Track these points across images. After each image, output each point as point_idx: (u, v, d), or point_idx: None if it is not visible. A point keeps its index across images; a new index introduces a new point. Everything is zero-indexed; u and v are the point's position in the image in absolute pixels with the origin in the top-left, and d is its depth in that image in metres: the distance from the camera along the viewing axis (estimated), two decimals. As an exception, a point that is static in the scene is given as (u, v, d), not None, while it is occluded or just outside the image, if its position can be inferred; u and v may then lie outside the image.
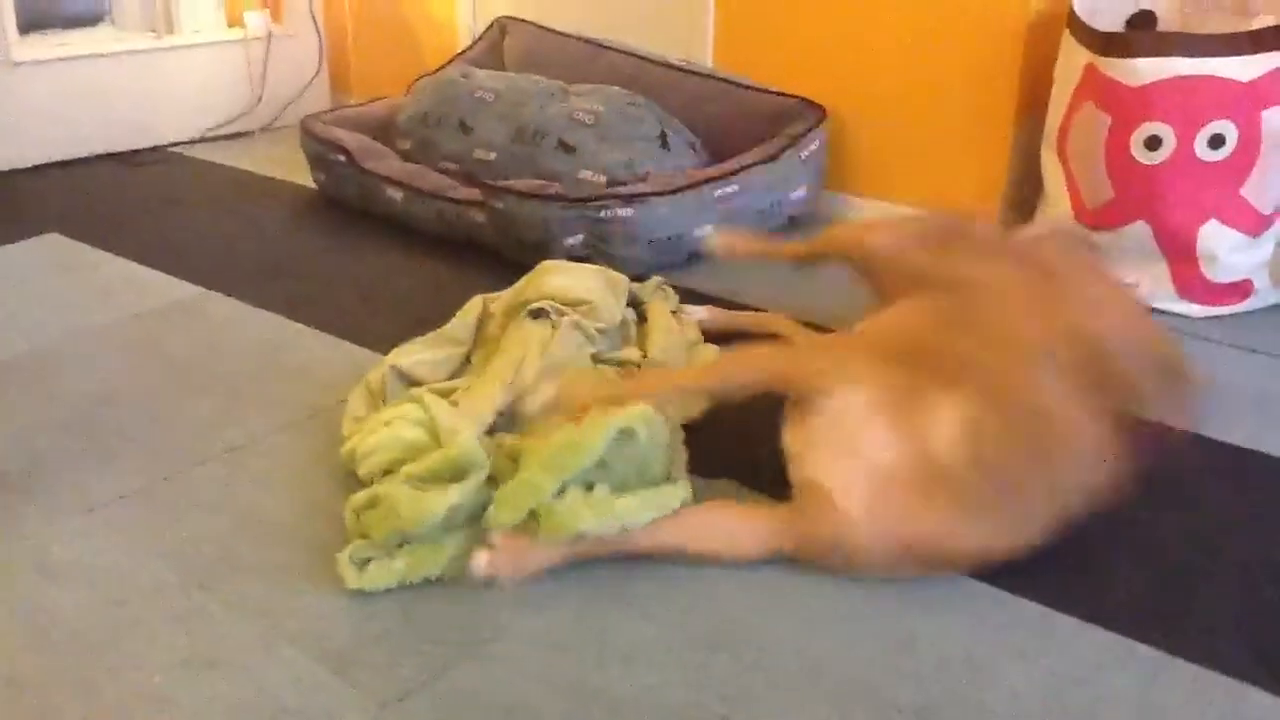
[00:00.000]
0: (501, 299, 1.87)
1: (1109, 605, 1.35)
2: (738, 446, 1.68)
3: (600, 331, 1.80)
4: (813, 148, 2.58)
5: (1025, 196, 2.50)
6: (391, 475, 1.43)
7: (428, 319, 1.93)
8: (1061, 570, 1.40)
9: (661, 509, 1.40)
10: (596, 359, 1.77)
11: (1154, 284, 2.18)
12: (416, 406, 1.53)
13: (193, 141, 3.48)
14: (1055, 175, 2.32)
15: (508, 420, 1.61)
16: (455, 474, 1.39)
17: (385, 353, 1.81)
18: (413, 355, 1.77)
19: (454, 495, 1.35)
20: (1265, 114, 2.04)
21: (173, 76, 3.41)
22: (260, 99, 3.58)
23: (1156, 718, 1.18)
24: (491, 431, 1.57)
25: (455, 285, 2.27)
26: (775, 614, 1.34)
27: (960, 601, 1.36)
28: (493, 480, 1.44)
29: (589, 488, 1.38)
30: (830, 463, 1.37)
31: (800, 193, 2.56)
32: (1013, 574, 1.38)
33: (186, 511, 1.53)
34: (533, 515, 1.37)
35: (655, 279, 2.13)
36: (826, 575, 1.39)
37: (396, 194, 2.65)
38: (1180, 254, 2.15)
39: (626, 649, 1.28)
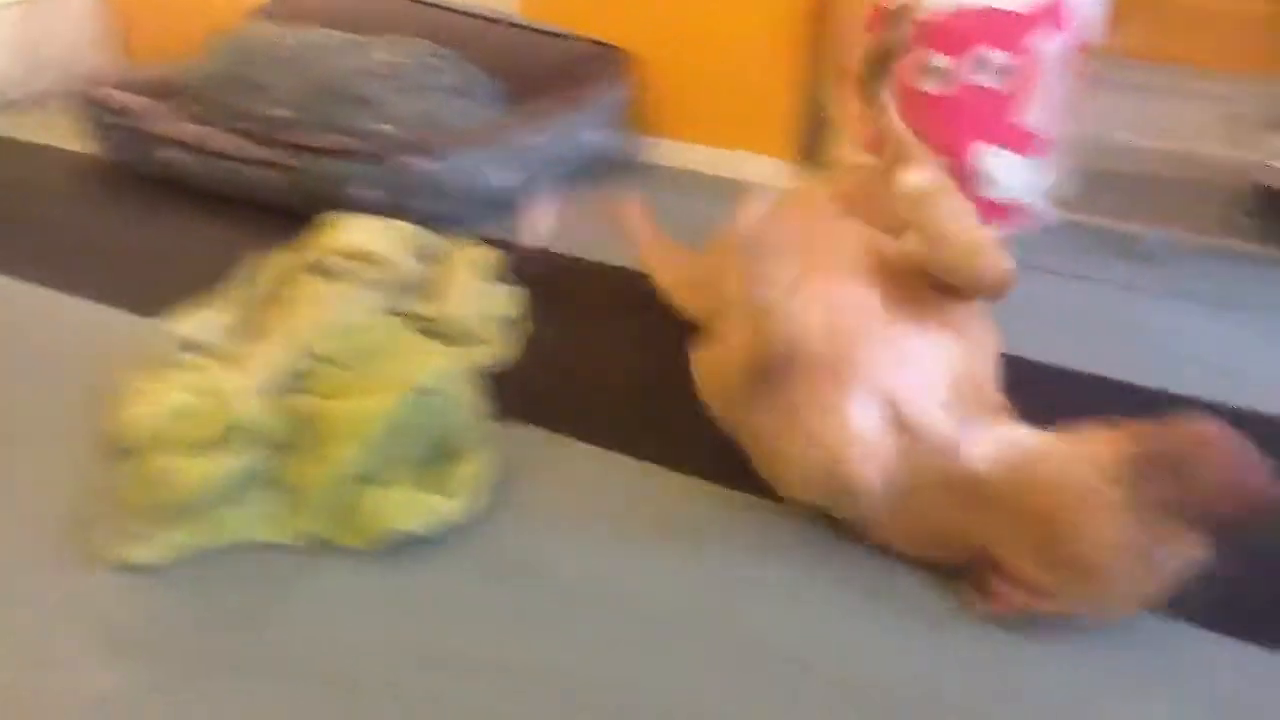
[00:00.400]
0: (290, 257, 1.82)
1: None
2: (543, 390, 1.68)
3: (394, 286, 1.77)
4: (617, 93, 2.58)
5: (819, 126, 2.55)
6: (168, 445, 1.38)
7: (216, 284, 1.86)
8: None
9: (474, 488, 1.39)
10: (391, 313, 1.73)
11: (943, 210, 2.25)
12: (195, 374, 1.48)
13: (-33, 111, 3.27)
14: (846, 110, 2.37)
15: (298, 381, 1.57)
16: (234, 439, 1.35)
17: (169, 321, 1.74)
18: (196, 320, 1.70)
19: (232, 462, 1.31)
20: (1037, 41, 2.12)
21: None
22: (37, 63, 3.37)
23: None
24: (279, 393, 1.53)
25: (248, 248, 2.18)
26: (567, 552, 1.34)
27: (735, 514, 1.39)
28: (280, 444, 1.40)
29: (409, 474, 1.38)
30: None
31: (606, 138, 2.56)
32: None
33: (-45, 498, 1.45)
34: (350, 514, 1.34)
35: (461, 234, 2.10)
36: (633, 507, 1.40)
37: (186, 157, 2.53)
38: (963, 178, 2.22)
39: (418, 597, 1.27)
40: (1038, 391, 1.69)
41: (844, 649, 1.20)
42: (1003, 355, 1.77)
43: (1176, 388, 1.71)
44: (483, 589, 1.28)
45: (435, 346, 1.62)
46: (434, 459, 1.43)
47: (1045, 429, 1.30)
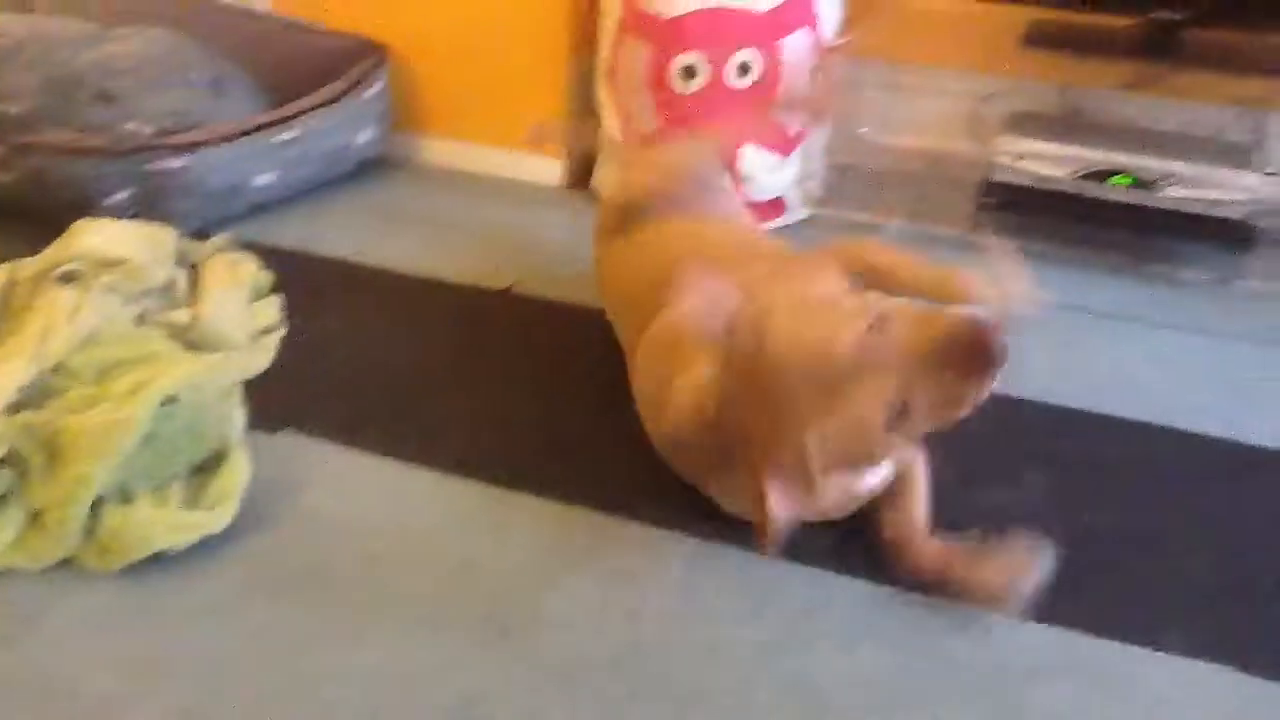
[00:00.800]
0: (29, 265, 1.72)
1: (651, 505, 1.45)
2: (303, 396, 1.65)
3: (145, 293, 1.70)
4: (376, 89, 2.54)
5: (583, 130, 2.59)
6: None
7: (-58, 294, 1.73)
8: (606, 479, 1.49)
9: (232, 498, 1.35)
10: (142, 321, 1.67)
11: (704, 205, 2.34)
12: (-84, 391, 1.38)
13: None
14: (609, 106, 2.42)
15: (37, 396, 1.49)
16: (-38, 461, 1.27)
17: (-112, 336, 1.62)
18: (-78, 335, 1.58)
19: (-45, 483, 1.24)
20: (783, 42, 2.22)
21: None
22: None
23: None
24: (17, 410, 1.45)
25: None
26: (336, 556, 1.33)
27: (523, 518, 1.41)
28: (17, 462, 1.33)
29: (157, 490, 1.32)
30: None
31: (367, 135, 2.51)
32: (571, 488, 1.45)
33: None
34: (98, 534, 1.28)
35: (217, 238, 2.03)
36: (396, 510, 1.40)
37: (-95, 155, 2.34)
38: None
39: (178, 612, 1.23)
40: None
41: (635, 637, 1.24)
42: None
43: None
44: (252, 598, 1.25)
45: (186, 355, 1.56)
46: (187, 472, 1.38)
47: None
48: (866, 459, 1.22)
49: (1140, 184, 2.16)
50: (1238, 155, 2.32)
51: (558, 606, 1.27)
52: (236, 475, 1.38)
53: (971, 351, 1.11)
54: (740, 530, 1.39)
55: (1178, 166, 2.14)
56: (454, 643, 1.21)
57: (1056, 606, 1.28)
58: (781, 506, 1.18)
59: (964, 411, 1.16)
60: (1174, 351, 1.91)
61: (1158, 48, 2.24)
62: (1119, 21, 2.32)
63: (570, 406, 1.67)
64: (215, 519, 1.32)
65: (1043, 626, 1.27)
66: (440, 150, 2.68)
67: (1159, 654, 1.24)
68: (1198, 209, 2.14)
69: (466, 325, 1.90)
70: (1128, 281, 2.17)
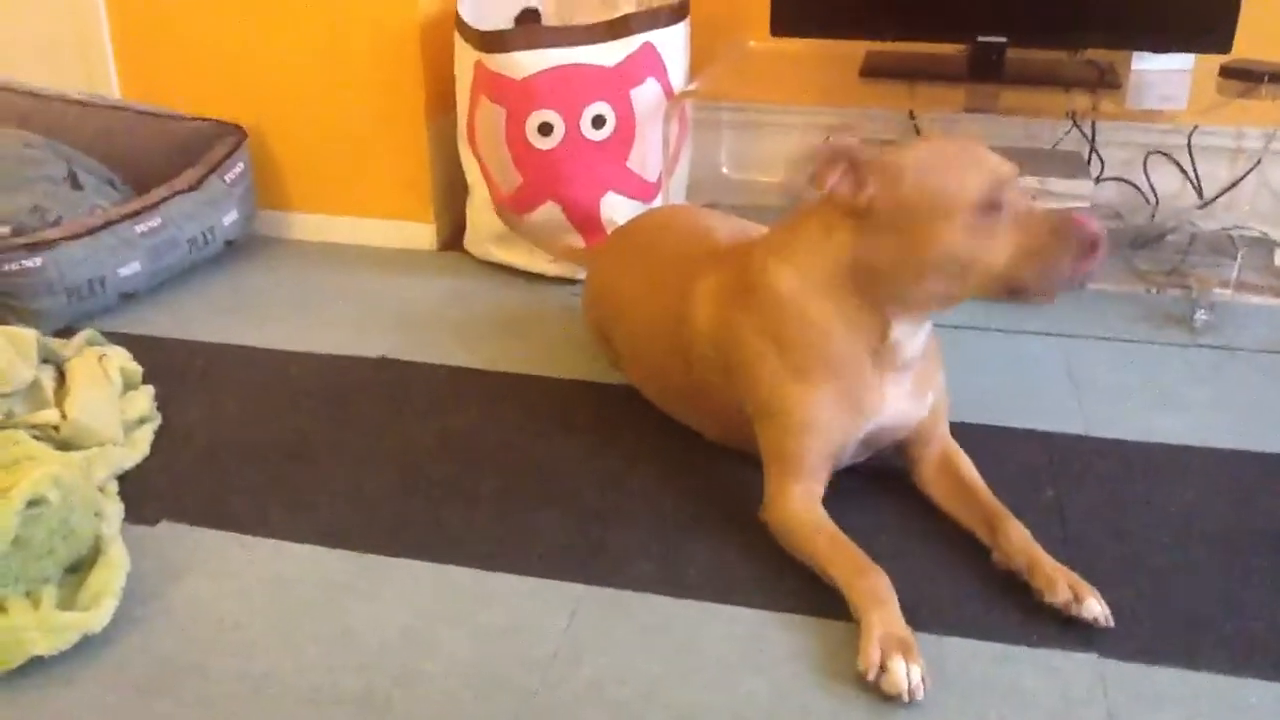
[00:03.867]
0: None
1: (533, 556, 1.47)
2: (181, 484, 1.64)
3: (7, 395, 1.67)
4: (237, 170, 2.53)
5: (452, 191, 2.62)
6: None
7: None
8: (489, 531, 1.51)
9: (111, 595, 1.34)
10: (4, 424, 1.64)
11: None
12: None
13: None
14: (473, 168, 2.45)
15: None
16: None
17: None
18: None
19: None
20: (634, 92, 2.29)
21: None
22: None
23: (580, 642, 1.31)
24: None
25: None
26: (217, 646, 1.32)
27: (397, 581, 1.42)
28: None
29: (29, 594, 1.31)
30: None
31: (232, 217, 2.51)
32: (447, 545, 1.47)
33: None
34: None
35: (84, 332, 2.00)
36: (267, 591, 1.39)
37: None
38: (589, 225, 2.36)
39: (60, 715, 1.21)
40: (659, 419, 1.84)
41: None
42: (630, 388, 1.91)
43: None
44: (135, 700, 1.24)
45: (53, 455, 1.54)
46: (60, 573, 1.36)
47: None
48: (944, 253, 1.36)
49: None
50: (1074, 164, 2.45)
51: (438, 669, 1.28)
52: (114, 571, 1.36)
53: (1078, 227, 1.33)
54: (625, 571, 1.42)
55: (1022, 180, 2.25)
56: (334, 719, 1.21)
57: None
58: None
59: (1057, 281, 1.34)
60: (1038, 354, 2.01)
61: (987, 70, 2.36)
62: (949, 48, 2.45)
63: (441, 466, 1.68)
64: (93, 618, 1.30)
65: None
66: (308, 225, 2.69)
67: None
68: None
69: (340, 397, 1.90)
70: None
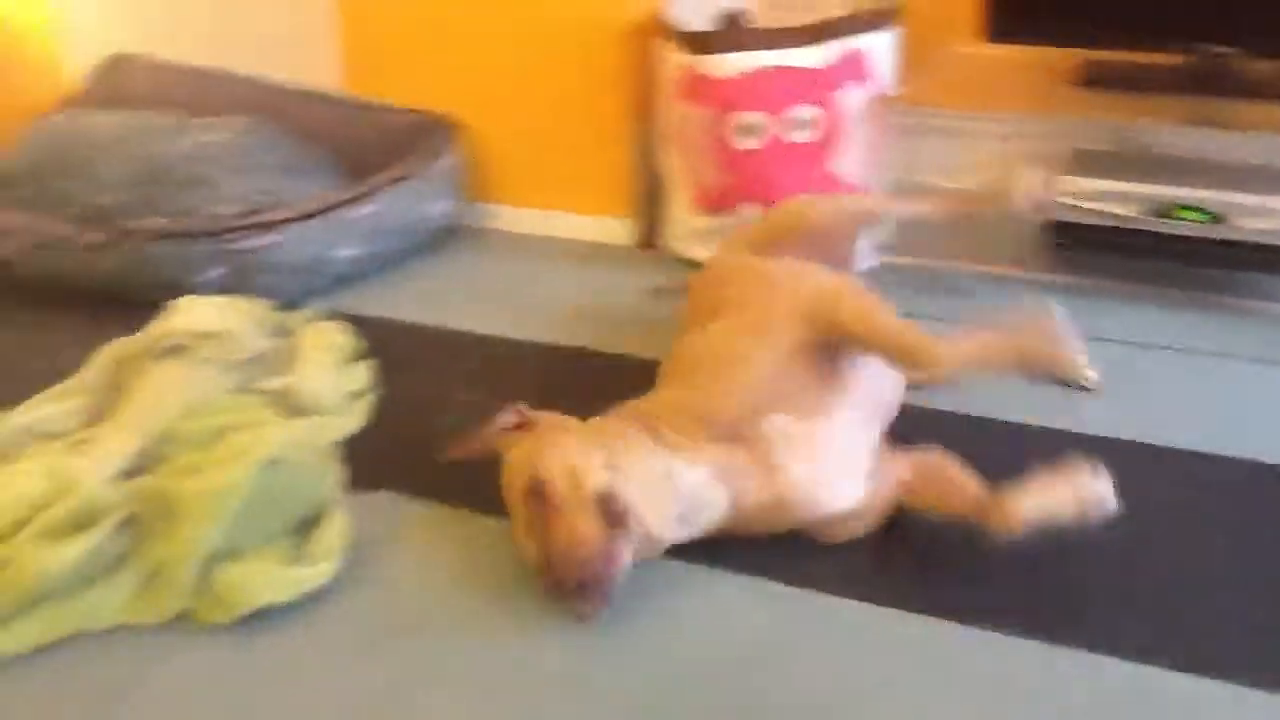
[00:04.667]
0: (134, 341, 1.82)
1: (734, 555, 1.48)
2: (397, 456, 1.72)
3: (243, 363, 1.79)
4: (449, 162, 2.64)
5: (652, 192, 2.67)
6: (17, 535, 1.37)
7: (56, 373, 1.84)
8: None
9: (334, 554, 1.42)
10: (241, 389, 1.75)
11: (770, 257, 2.39)
12: (36, 462, 1.47)
13: None
14: (673, 167, 2.49)
15: (148, 463, 1.57)
16: (84, 523, 1.36)
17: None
18: (37, 410, 1.69)
19: (80, 545, 1.32)
20: (839, 96, 2.28)
21: None
22: None
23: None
24: (131, 476, 1.53)
25: (84, 335, 2.16)
26: (432, 613, 1.38)
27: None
28: (136, 524, 1.41)
29: (266, 546, 1.40)
30: None
31: (442, 206, 2.61)
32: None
33: None
34: (208, 590, 1.35)
35: (307, 309, 2.12)
36: (481, 557, 1.44)
37: (16, 246, 2.48)
38: (788, 228, 2.36)
39: (285, 666, 1.29)
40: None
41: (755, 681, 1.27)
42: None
43: (1000, 414, 1.83)
44: (354, 655, 1.31)
45: (284, 420, 1.64)
46: (291, 530, 1.45)
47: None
48: None
49: (1210, 217, 2.16)
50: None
51: (644, 653, 1.30)
52: (337, 532, 1.44)
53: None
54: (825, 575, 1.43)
55: (1244, 198, 2.14)
56: (544, 693, 1.25)
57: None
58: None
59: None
60: (1256, 384, 1.91)
61: (1211, 81, 2.26)
62: (1171, 59, 2.35)
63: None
64: (319, 574, 1.38)
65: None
66: (513, 217, 2.77)
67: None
68: (1271, 239, 2.13)
69: (544, 384, 1.96)
70: (1202, 315, 2.17)
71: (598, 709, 1.22)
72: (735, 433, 1.43)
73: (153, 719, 1.21)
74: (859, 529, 1.49)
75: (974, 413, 1.82)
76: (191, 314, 1.82)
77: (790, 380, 1.48)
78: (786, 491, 1.42)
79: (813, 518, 1.45)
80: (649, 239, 2.67)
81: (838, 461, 1.46)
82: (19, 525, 1.39)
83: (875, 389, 1.60)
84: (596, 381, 1.97)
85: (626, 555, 1.31)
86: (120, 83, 3.03)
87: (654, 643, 1.32)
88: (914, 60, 2.51)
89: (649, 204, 2.69)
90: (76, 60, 3.23)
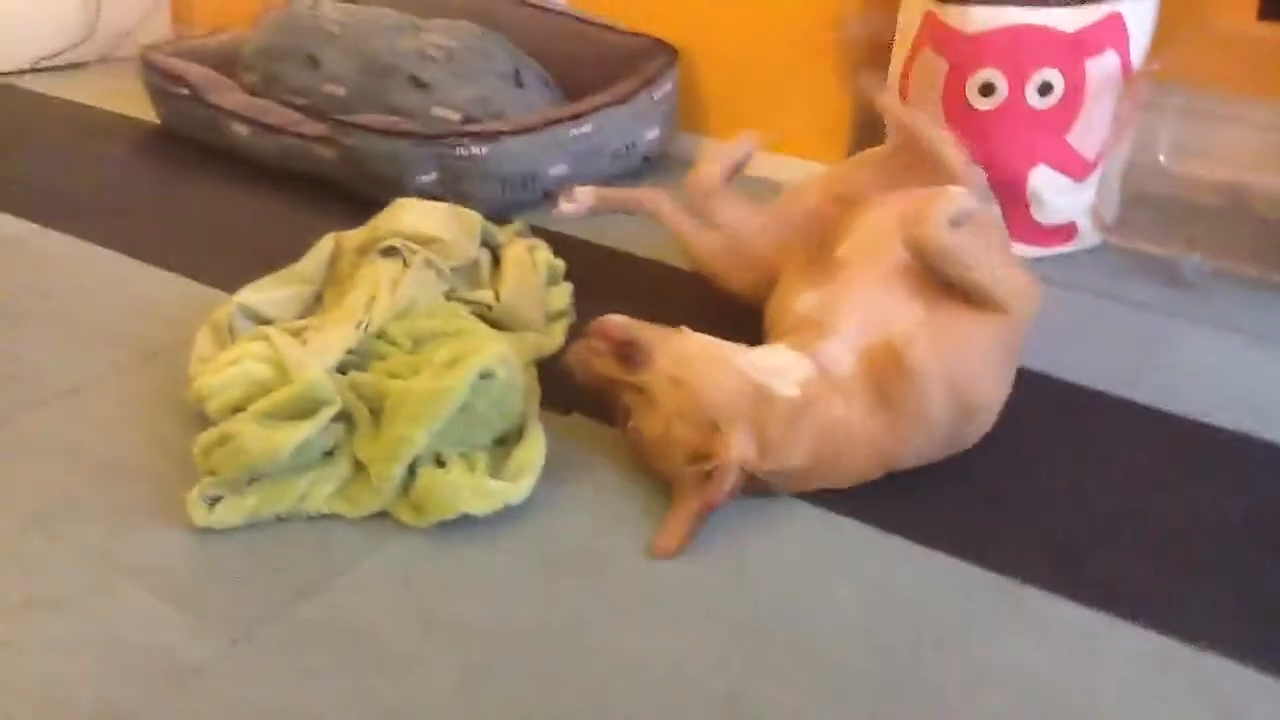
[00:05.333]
0: (354, 236, 1.86)
1: (929, 526, 1.44)
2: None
3: (453, 270, 1.81)
4: (665, 89, 2.61)
5: (869, 139, 2.58)
6: (240, 413, 1.42)
7: (274, 257, 1.90)
8: (883, 492, 1.49)
9: (532, 472, 1.43)
10: (449, 297, 1.77)
11: (987, 225, 2.29)
12: (264, 344, 1.52)
13: (22, 72, 3.30)
14: (895, 113, 2.40)
15: (361, 358, 1.61)
16: (304, 410, 1.39)
17: (230, 291, 1.78)
18: (261, 293, 1.74)
19: (303, 431, 1.36)
20: (1089, 63, 2.15)
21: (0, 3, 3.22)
22: (96, 28, 3.41)
23: (973, 623, 1.27)
24: (344, 370, 1.57)
25: (303, 223, 2.23)
26: (620, 540, 1.38)
27: (794, 521, 1.43)
28: (346, 418, 1.45)
29: (465, 457, 1.42)
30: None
31: (654, 133, 2.59)
32: (840, 495, 1.47)
33: (21, 454, 1.49)
34: (409, 492, 1.38)
35: (515, 223, 2.13)
36: (665, 502, 1.45)
37: (242, 129, 2.58)
38: (1011, 196, 2.25)
39: (475, 577, 1.31)
40: (1059, 410, 1.74)
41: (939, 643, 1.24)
42: (1033, 373, 1.82)
43: (1204, 416, 1.73)
44: (545, 572, 1.32)
45: (494, 332, 1.65)
46: (491, 443, 1.47)
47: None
48: None
49: None
50: None
51: (825, 614, 1.28)
52: (535, 450, 1.45)
53: None
54: (1021, 563, 1.37)
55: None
56: (725, 637, 1.24)
57: None
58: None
59: None
60: None
61: None
62: None
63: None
64: (516, 490, 1.39)
65: None
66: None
67: None
68: None
69: (737, 314, 1.92)
70: None
71: (782, 655, 1.20)
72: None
73: (351, 614, 1.24)
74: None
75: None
76: (411, 215, 1.83)
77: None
78: None
79: None
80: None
81: None
82: (242, 403, 1.44)
83: None
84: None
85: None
86: (354, -24, 3.09)
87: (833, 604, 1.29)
88: (1166, 32, 2.34)
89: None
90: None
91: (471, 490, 1.36)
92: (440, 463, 1.41)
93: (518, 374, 1.49)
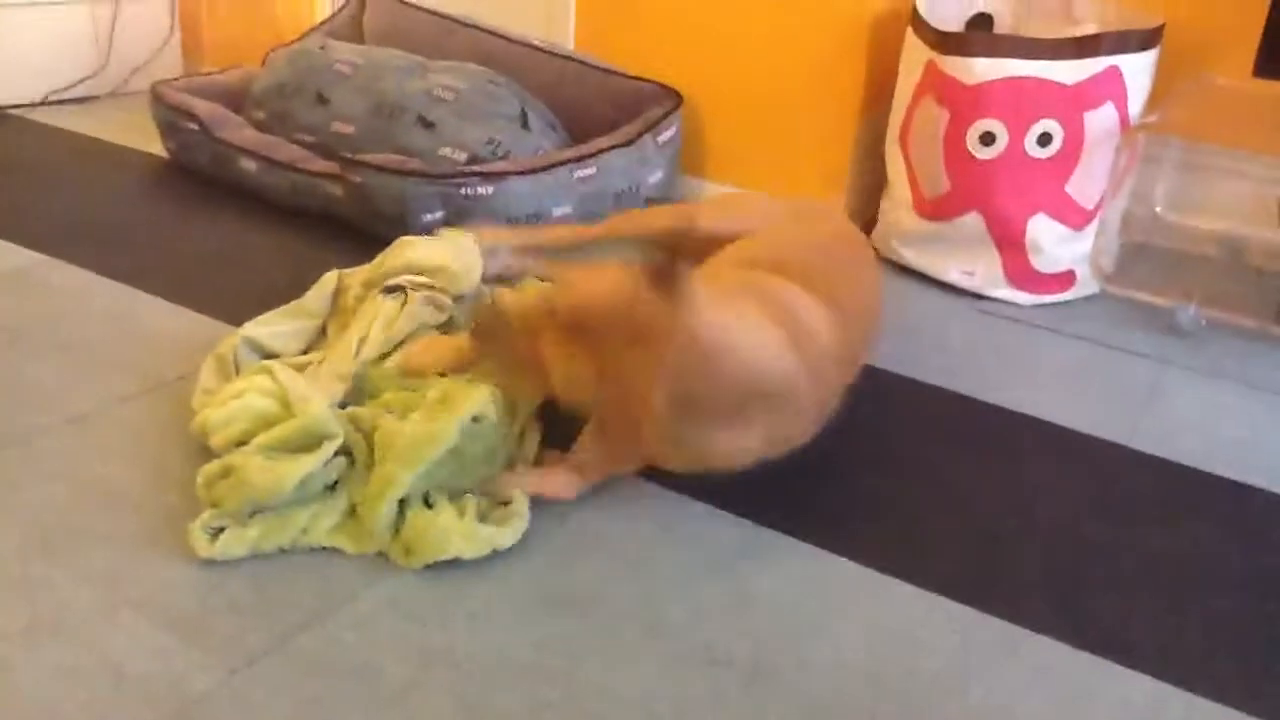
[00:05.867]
0: (358, 273, 1.87)
1: (927, 568, 1.45)
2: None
3: (456, 299, 1.82)
4: (669, 133, 2.64)
5: (869, 186, 2.61)
6: (244, 446, 1.43)
7: (280, 291, 1.92)
8: (884, 533, 1.50)
9: (520, 517, 1.44)
10: (449, 328, 1.79)
11: (986, 272, 2.32)
12: (267, 377, 1.53)
13: (34, 105, 3.34)
14: (897, 166, 2.43)
15: (357, 394, 1.62)
16: (307, 443, 1.40)
17: (236, 324, 1.80)
18: (266, 327, 1.76)
19: (306, 465, 1.37)
20: (1088, 115, 2.18)
21: (10, 36, 3.25)
22: (107, 62, 3.46)
23: (969, 667, 1.28)
24: (344, 405, 1.59)
25: (309, 258, 2.25)
26: (619, 578, 1.39)
27: (793, 562, 1.44)
28: (347, 452, 1.46)
29: (454, 501, 1.43)
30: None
31: (657, 176, 2.62)
32: (841, 536, 1.48)
33: (25, 481, 1.50)
34: (399, 532, 1.39)
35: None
36: (671, 540, 1.45)
37: (250, 164, 2.60)
38: (1010, 244, 2.28)
39: (473, 611, 1.31)
40: (1057, 455, 1.75)
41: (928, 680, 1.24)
42: (1031, 418, 1.84)
43: (1201, 464, 1.75)
44: (542, 610, 1.32)
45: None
46: (482, 484, 1.48)
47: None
48: None
49: None
50: None
51: (825, 655, 1.28)
52: (524, 495, 1.46)
53: None
54: (1018, 606, 1.37)
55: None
56: (724, 676, 1.24)
57: None
58: None
59: None
60: None
61: None
62: None
63: (829, 458, 1.69)
64: (506, 535, 1.39)
65: None
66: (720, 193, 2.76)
67: None
68: None
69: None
70: None
71: (781, 695, 1.20)
72: None
73: (350, 647, 1.25)
74: None
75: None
76: (413, 252, 1.86)
77: None
78: None
79: None
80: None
81: None
82: (245, 437, 1.45)
83: None
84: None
85: None
86: (363, 18, 3.14)
87: (830, 647, 1.30)
88: (1164, 86, 2.38)
89: (865, 201, 2.63)
90: (326, -9, 3.36)
91: (461, 535, 1.37)
92: (429, 504, 1.41)
93: (506, 416, 1.50)
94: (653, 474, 1.61)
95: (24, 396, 1.71)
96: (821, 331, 1.53)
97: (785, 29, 2.57)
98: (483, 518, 1.44)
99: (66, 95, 3.40)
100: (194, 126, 2.71)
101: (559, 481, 1.52)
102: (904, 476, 1.66)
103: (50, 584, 1.30)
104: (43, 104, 3.35)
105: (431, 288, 1.79)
